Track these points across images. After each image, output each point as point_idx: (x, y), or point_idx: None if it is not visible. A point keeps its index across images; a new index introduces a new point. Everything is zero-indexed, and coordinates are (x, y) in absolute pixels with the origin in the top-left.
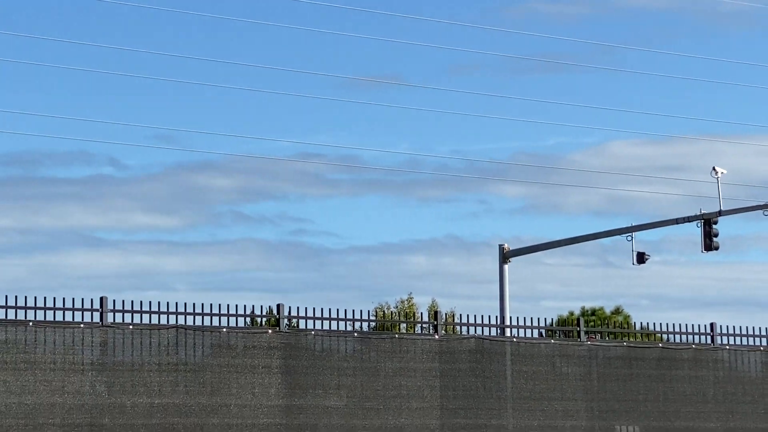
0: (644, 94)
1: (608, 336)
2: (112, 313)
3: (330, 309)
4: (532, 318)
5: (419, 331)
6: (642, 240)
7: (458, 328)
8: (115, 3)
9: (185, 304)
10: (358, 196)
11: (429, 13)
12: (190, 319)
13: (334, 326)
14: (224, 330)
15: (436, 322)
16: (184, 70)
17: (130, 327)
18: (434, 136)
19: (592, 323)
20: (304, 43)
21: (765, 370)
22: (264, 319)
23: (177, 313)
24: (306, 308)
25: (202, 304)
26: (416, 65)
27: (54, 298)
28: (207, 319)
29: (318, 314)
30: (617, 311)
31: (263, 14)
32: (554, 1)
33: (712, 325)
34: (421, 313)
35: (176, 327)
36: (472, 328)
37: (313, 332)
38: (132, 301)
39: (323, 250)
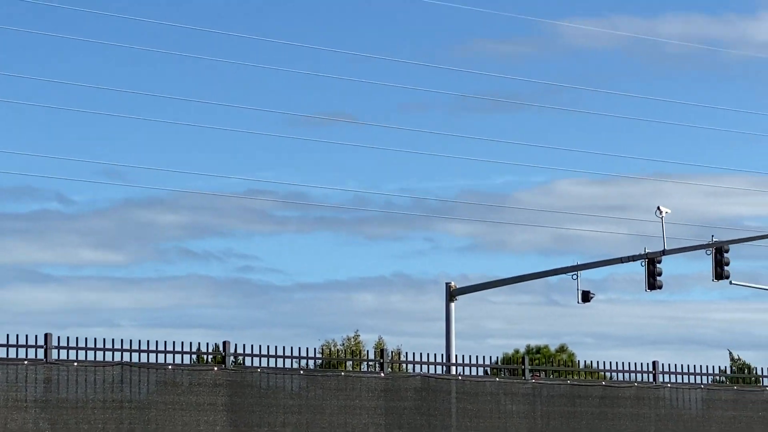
0: (591, 133)
1: (552, 374)
2: (56, 350)
3: (276, 346)
4: (477, 356)
5: (365, 369)
6: (587, 279)
7: (404, 365)
8: (61, 38)
9: (131, 340)
10: (306, 233)
11: (378, 51)
12: (135, 356)
13: (280, 363)
14: (170, 367)
15: (382, 360)
16: (131, 106)
17: (75, 364)
18: (382, 173)
19: (536, 361)
20: (252, 80)
21: (706, 408)
22: (210, 357)
23: (122, 350)
24: (252, 345)
25: (148, 341)
26: (365, 103)
27: None
28: (152, 356)
29: (264, 351)
30: (562, 349)
31: (211, 50)
32: (502, 41)
33: (654, 363)
34: (368, 351)
35: (121, 364)
36: (418, 366)
37: (258, 370)
38: (77, 338)
39: (270, 287)
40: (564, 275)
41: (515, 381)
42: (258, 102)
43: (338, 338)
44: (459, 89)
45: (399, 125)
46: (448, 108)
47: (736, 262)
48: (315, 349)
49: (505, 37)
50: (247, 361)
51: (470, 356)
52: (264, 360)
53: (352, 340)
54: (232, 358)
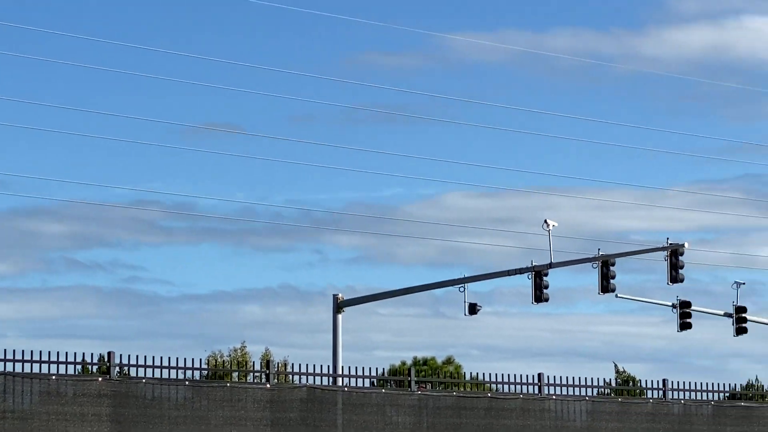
0: (479, 146)
1: (439, 386)
2: None
3: (162, 357)
4: (364, 368)
5: (251, 380)
6: (474, 291)
7: (290, 377)
8: None
9: (14, 350)
10: (193, 244)
11: (268, 62)
12: (18, 366)
13: (165, 374)
14: (53, 377)
15: (268, 371)
16: (16, 115)
17: None
18: (270, 185)
19: (423, 373)
20: (140, 89)
21: (590, 419)
22: (95, 367)
23: (5, 360)
24: (137, 356)
25: (32, 351)
26: (254, 114)
27: None
28: (36, 366)
29: (149, 362)
30: (449, 361)
31: (98, 58)
32: (392, 53)
33: (539, 375)
34: (254, 362)
35: (4, 374)
36: (304, 378)
37: (144, 380)
38: None
39: (157, 297)
40: (451, 287)
41: (401, 393)
42: (146, 112)
43: (225, 349)
44: (349, 101)
45: (288, 137)
46: (337, 120)
47: (621, 276)
48: (201, 360)
49: (395, 50)
50: (132, 372)
51: (357, 368)
52: (149, 371)
53: (239, 351)
54: (117, 368)
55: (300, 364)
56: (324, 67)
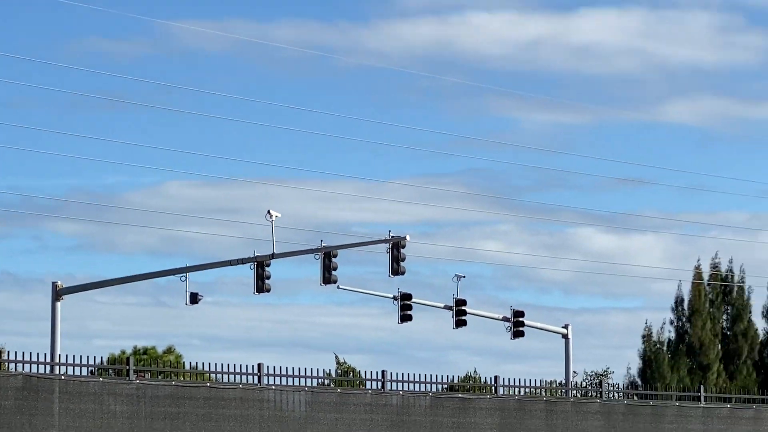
0: (203, 135)
1: (158, 375)
2: None
3: None
4: (82, 356)
5: None
6: (197, 281)
7: (6, 364)
8: None
9: None
10: None
11: None
12: None
13: None
14: None
15: None
16: None
17: None
18: None
19: (143, 362)
20: None
21: (309, 410)
22: None
23: None
24: None
25: None
26: None
27: None
28: None
29: None
30: (169, 351)
31: None
32: (115, 39)
33: (259, 365)
34: None
35: None
36: (20, 366)
37: None
38: None
39: None
40: (173, 277)
41: (119, 381)
42: None
43: None
44: (72, 87)
45: (7, 122)
46: (59, 106)
47: (344, 267)
48: None
49: (119, 37)
50: None
51: (75, 356)
52: None
53: None
54: None
55: (16, 352)
56: (47, 52)
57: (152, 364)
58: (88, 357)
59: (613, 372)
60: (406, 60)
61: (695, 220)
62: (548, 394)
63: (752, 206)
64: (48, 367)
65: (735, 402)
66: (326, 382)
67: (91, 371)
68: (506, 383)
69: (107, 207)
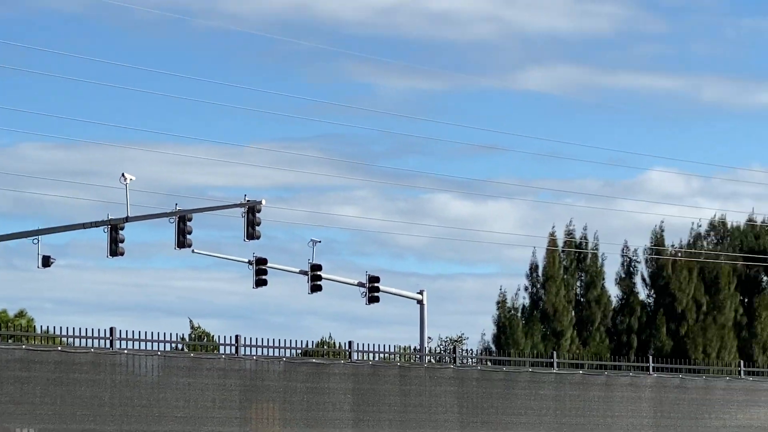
0: (55, 97)
1: (9, 339)
2: None
3: None
4: None
5: None
6: (49, 244)
7: None
8: None
9: None
10: None
11: None
12: None
13: None
14: None
15: None
16: None
17: None
18: None
19: None
20: None
21: (162, 374)
22: None
23: None
24: None
25: None
26: None
27: None
28: None
29: None
30: (21, 314)
31: None
32: None
33: (111, 329)
34: None
35: None
36: None
37: None
38: None
39: None
40: (24, 239)
41: None
42: None
43: None
44: None
45: None
46: None
47: (199, 231)
48: None
49: None
50: None
51: None
52: None
53: None
54: None
55: None
56: None
57: (2, 328)
58: None
59: (468, 338)
60: (262, 24)
61: (550, 187)
62: (402, 359)
63: (606, 174)
64: None
65: (587, 368)
66: (179, 346)
67: None
68: (360, 348)
69: None
